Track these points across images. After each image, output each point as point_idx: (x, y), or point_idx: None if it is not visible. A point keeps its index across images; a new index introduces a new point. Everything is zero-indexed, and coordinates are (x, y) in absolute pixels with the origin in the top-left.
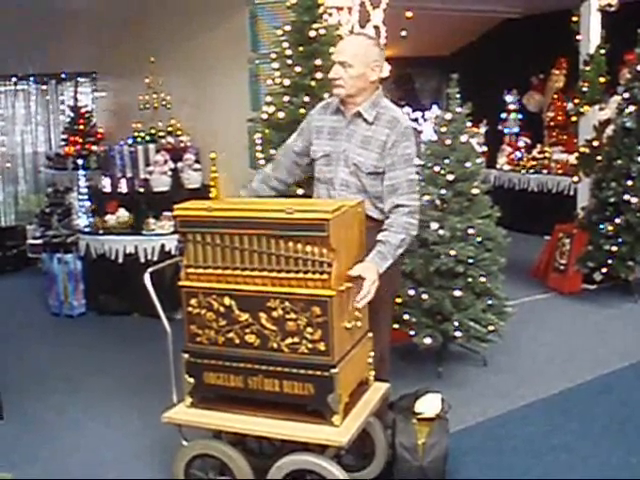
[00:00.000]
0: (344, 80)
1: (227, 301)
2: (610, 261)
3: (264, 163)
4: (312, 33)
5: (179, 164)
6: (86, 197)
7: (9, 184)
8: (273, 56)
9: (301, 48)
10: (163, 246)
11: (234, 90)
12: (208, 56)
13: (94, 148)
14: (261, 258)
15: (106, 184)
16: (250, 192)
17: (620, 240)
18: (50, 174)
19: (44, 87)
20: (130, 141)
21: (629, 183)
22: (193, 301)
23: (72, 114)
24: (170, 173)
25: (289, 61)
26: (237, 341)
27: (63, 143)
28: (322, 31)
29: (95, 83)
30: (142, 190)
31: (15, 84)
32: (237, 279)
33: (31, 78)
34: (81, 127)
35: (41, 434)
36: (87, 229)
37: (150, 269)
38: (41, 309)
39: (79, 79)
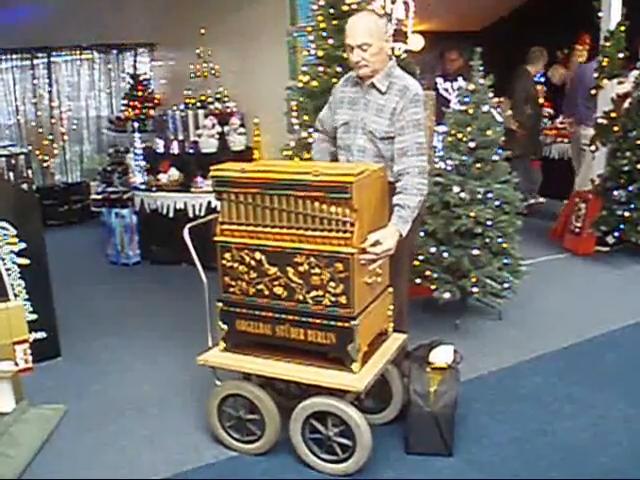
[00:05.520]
0: (367, 60)
1: (258, 255)
2: (622, 226)
3: (299, 128)
4: (345, 7)
5: (226, 128)
6: (141, 157)
7: (75, 144)
8: (309, 29)
9: (335, 22)
10: (209, 203)
11: (274, 60)
12: (252, 29)
13: (152, 113)
14: (289, 217)
15: (159, 145)
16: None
17: (632, 206)
18: (112, 136)
19: (106, 56)
20: (182, 107)
21: None
22: (227, 255)
23: (132, 81)
24: (217, 136)
25: (323, 34)
26: (266, 292)
27: (123, 108)
28: (354, 6)
29: (153, 53)
30: (192, 151)
31: (80, 53)
32: (267, 236)
33: (95, 48)
34: (140, 93)
35: (92, 370)
36: (142, 186)
37: (189, 225)
38: (100, 258)
39: (138, 49)
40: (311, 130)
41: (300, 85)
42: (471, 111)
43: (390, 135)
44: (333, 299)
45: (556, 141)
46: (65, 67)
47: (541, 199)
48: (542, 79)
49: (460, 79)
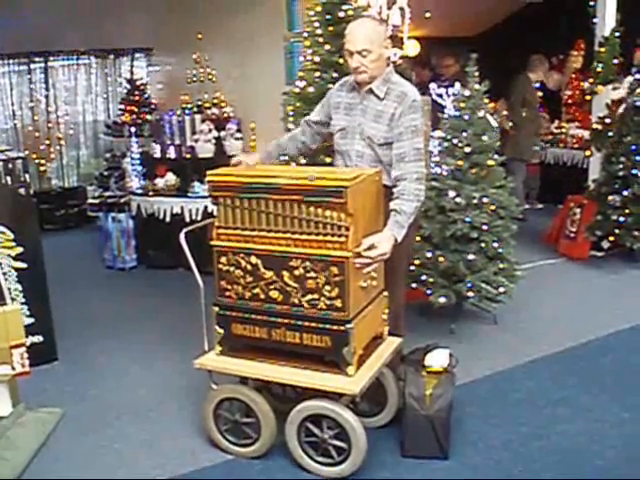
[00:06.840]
0: (366, 67)
1: (254, 260)
2: (617, 230)
3: None
4: (341, 14)
5: (222, 133)
6: (138, 162)
7: (72, 149)
8: (305, 35)
9: (331, 28)
10: (206, 207)
11: (271, 65)
12: (249, 34)
13: (148, 117)
14: (285, 221)
15: (156, 150)
16: (277, 147)
17: (627, 211)
18: (108, 140)
19: (103, 61)
20: (178, 111)
21: (637, 158)
22: (223, 259)
23: (129, 86)
24: (214, 141)
25: (320, 39)
26: (262, 296)
27: (120, 112)
28: (350, 12)
29: (149, 58)
30: (188, 156)
31: (77, 58)
32: (263, 240)
33: (92, 53)
34: (136, 98)
35: (89, 374)
36: (139, 191)
37: (185, 229)
38: (97, 262)
39: (135, 54)
40: None
41: (296, 90)
42: (466, 116)
43: (388, 141)
44: (328, 303)
45: (552, 146)
46: (62, 72)
47: (539, 205)
48: (537, 84)
49: (457, 84)
